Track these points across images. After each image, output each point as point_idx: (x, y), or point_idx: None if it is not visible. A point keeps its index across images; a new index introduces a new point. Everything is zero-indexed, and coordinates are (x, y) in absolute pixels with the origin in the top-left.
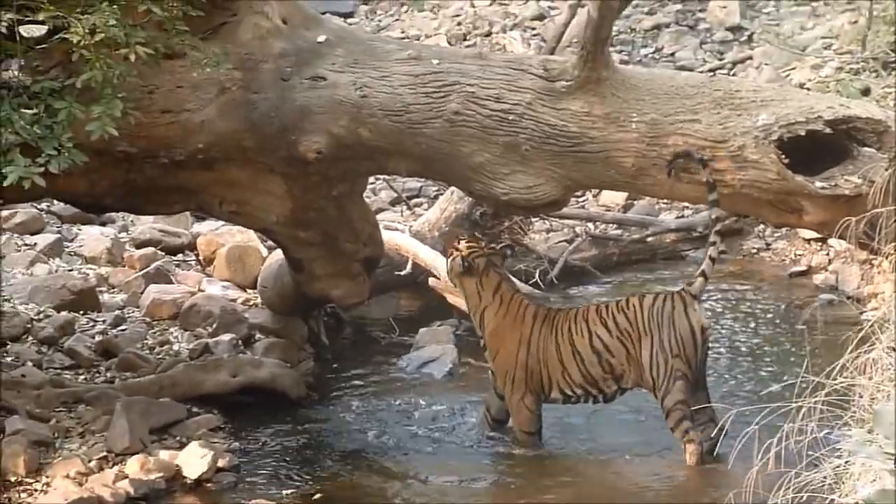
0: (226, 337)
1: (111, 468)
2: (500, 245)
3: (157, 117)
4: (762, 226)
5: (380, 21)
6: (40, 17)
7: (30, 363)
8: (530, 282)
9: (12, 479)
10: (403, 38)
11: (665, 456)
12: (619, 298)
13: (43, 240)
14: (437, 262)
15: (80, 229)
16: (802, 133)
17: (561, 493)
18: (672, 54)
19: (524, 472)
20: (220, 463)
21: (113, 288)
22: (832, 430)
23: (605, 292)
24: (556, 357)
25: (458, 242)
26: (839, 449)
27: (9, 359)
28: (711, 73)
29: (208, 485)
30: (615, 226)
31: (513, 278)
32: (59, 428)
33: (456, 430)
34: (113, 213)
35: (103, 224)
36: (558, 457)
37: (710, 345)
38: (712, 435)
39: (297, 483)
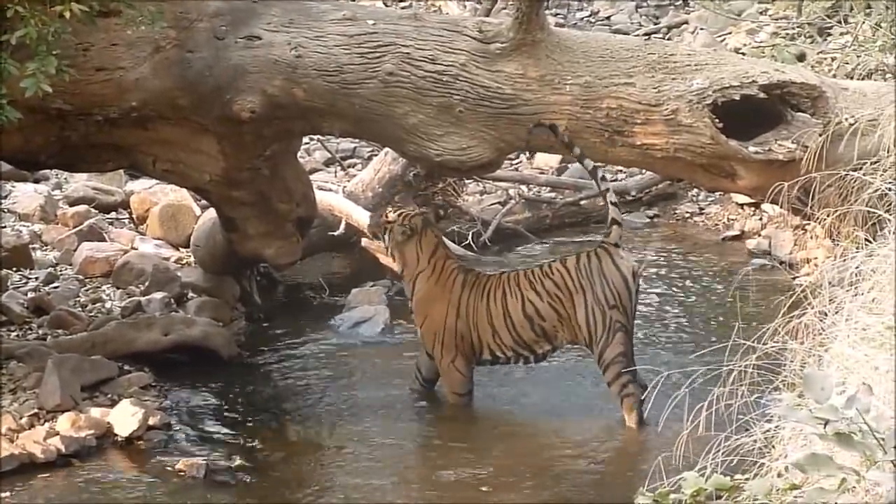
0: (158, 295)
1: (42, 425)
2: (432, 204)
3: (92, 75)
4: (695, 190)
5: None
6: None
7: None
8: (463, 244)
9: None
10: None
11: (595, 415)
12: (541, 263)
13: None
14: None
15: (13, 186)
16: (737, 97)
17: (491, 457)
18: (608, 18)
19: (456, 434)
20: (151, 421)
21: (46, 245)
22: (763, 394)
23: (539, 254)
24: (487, 320)
25: (387, 215)
26: (770, 413)
27: None
28: (647, 37)
29: (139, 443)
30: (549, 189)
31: (447, 241)
32: None
33: (387, 389)
34: (47, 171)
35: (37, 181)
36: (489, 419)
37: (642, 308)
38: (642, 397)
39: (228, 442)
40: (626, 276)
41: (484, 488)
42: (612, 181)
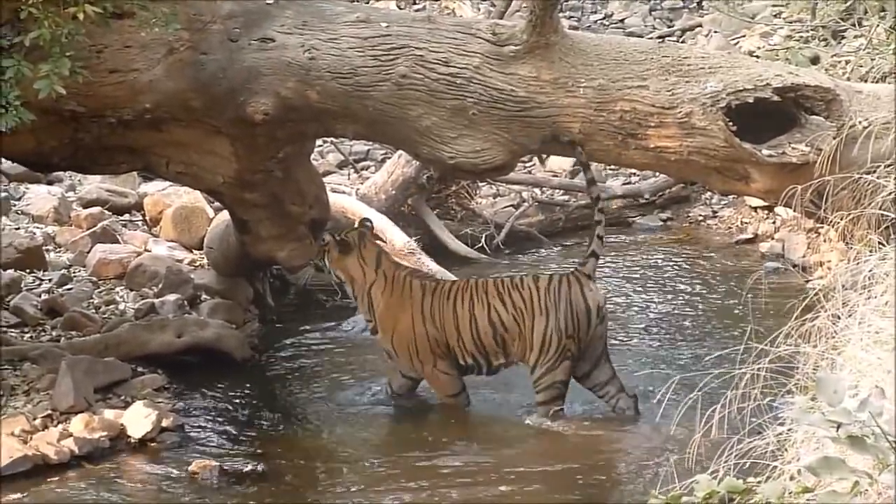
0: (171, 297)
1: (56, 426)
2: (360, 220)
3: (105, 77)
4: (709, 193)
5: None
6: None
7: None
8: (476, 246)
9: None
10: (353, 1)
11: (608, 419)
12: (513, 276)
13: None
14: (383, 225)
15: (27, 188)
16: (750, 100)
17: (504, 459)
18: (622, 21)
19: (470, 436)
20: (165, 423)
21: (59, 247)
22: (776, 397)
23: (552, 257)
24: (453, 324)
25: (323, 239)
26: (782, 416)
27: None
28: (660, 40)
29: (152, 444)
30: (562, 191)
31: (388, 252)
32: (4, 386)
33: (403, 398)
34: (60, 173)
35: (50, 183)
36: (501, 422)
37: (656, 310)
38: (626, 407)
39: (241, 443)
40: (591, 308)
41: (502, 487)
42: (625, 184)
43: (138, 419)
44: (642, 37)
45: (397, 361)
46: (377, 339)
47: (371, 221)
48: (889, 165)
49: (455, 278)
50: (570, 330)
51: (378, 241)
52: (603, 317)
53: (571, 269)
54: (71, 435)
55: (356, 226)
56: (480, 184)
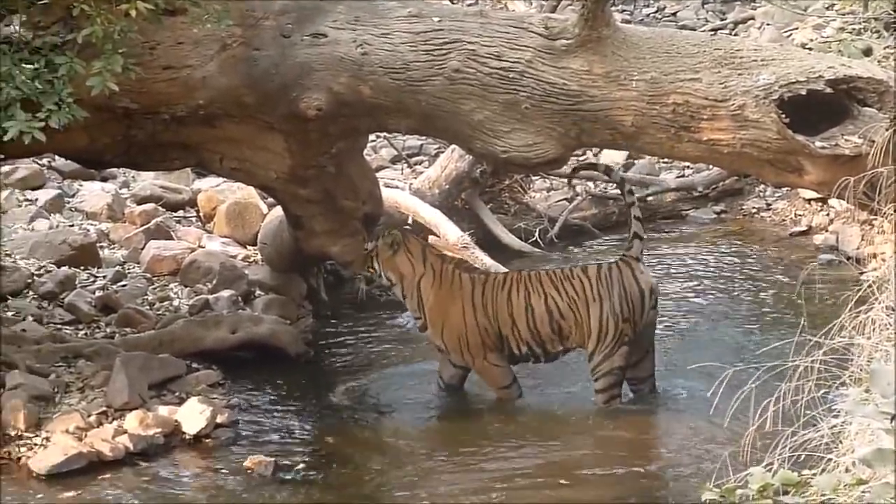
0: (225, 293)
1: (110, 423)
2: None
3: (158, 73)
4: (762, 185)
5: None
6: None
7: (30, 318)
8: (530, 240)
9: (12, 433)
10: None
11: (661, 412)
12: (563, 267)
13: (44, 195)
14: (436, 220)
15: (81, 185)
16: (803, 92)
17: (556, 454)
18: (674, 14)
19: (521, 432)
20: (219, 419)
21: (113, 244)
22: (830, 389)
23: (606, 251)
24: (507, 312)
25: (366, 248)
26: (836, 408)
27: (9, 314)
28: (713, 33)
29: (207, 440)
30: (615, 185)
31: (431, 246)
32: (58, 383)
33: (454, 390)
34: (114, 169)
35: (104, 180)
36: (552, 417)
37: (709, 304)
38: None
39: (295, 439)
40: (644, 290)
41: (562, 480)
42: (678, 177)
43: (193, 415)
44: (695, 30)
45: (448, 355)
46: (428, 335)
47: (411, 225)
48: None
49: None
50: (626, 313)
51: (422, 237)
52: (655, 300)
53: (619, 256)
54: (125, 432)
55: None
56: (534, 178)
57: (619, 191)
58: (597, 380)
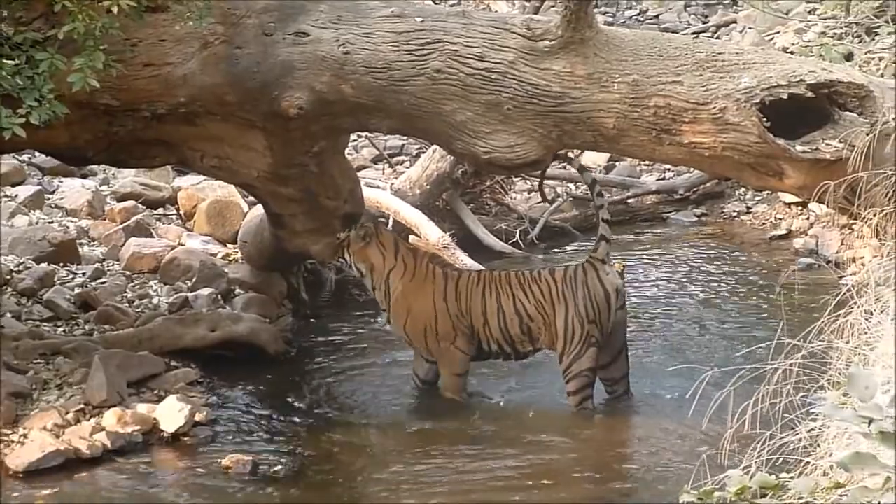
0: (205, 291)
1: (88, 421)
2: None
3: (140, 70)
4: (743, 189)
5: None
6: None
7: (9, 314)
8: (511, 241)
9: None
10: None
11: (641, 414)
12: (531, 269)
13: (24, 191)
14: (417, 220)
15: (61, 181)
16: (784, 96)
17: (538, 456)
18: (656, 16)
19: (504, 433)
20: (198, 417)
21: (93, 240)
22: (808, 393)
23: (586, 252)
24: (480, 310)
25: (338, 238)
26: (814, 412)
27: None
28: (695, 36)
29: (185, 439)
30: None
31: (402, 240)
32: (36, 380)
33: (433, 387)
34: (94, 166)
35: (84, 176)
36: (536, 419)
37: (688, 305)
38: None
39: (274, 438)
40: (609, 292)
41: (544, 481)
42: (659, 180)
43: (171, 413)
44: (677, 33)
45: (413, 346)
46: (392, 329)
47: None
48: None
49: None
50: (592, 315)
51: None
52: (623, 302)
53: (586, 258)
54: (103, 429)
55: (364, 221)
56: (515, 179)
57: (588, 191)
58: (568, 382)
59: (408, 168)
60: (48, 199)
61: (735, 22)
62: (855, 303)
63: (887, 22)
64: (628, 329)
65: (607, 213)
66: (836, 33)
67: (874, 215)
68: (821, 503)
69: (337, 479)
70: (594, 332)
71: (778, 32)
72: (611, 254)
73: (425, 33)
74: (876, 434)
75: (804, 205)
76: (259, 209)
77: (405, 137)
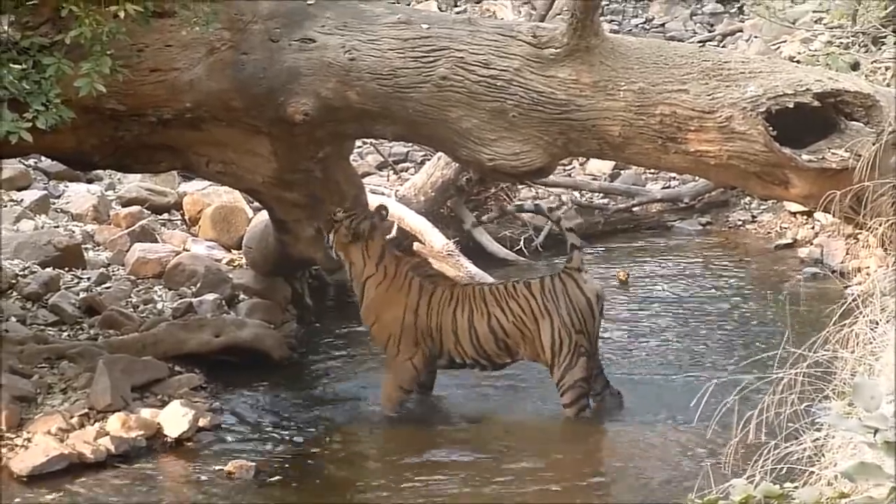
0: (209, 296)
1: (92, 425)
2: (377, 207)
3: (146, 76)
4: (748, 198)
5: None
6: None
7: (14, 319)
8: (515, 249)
9: None
10: (393, 2)
11: (644, 423)
12: (505, 283)
13: (30, 196)
14: (422, 227)
15: (66, 186)
16: (790, 105)
17: (538, 458)
18: (662, 25)
19: (501, 440)
20: (202, 422)
21: (98, 245)
22: (813, 402)
23: (590, 260)
24: (451, 328)
25: (335, 214)
26: (819, 421)
27: None
28: (701, 45)
29: (189, 444)
30: (601, 195)
31: (394, 249)
32: (41, 384)
33: (436, 391)
34: (100, 171)
35: (90, 181)
36: (539, 426)
37: (695, 315)
38: (612, 404)
39: (278, 444)
40: (591, 299)
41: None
42: (664, 188)
43: (175, 418)
44: (683, 41)
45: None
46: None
47: (387, 209)
48: None
49: (491, 280)
50: (579, 324)
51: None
52: (602, 306)
53: (561, 269)
54: (107, 434)
55: (368, 213)
56: (519, 186)
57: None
58: (563, 394)
59: (413, 175)
60: (54, 203)
61: (741, 31)
62: (860, 312)
63: (894, 31)
64: (632, 338)
65: (568, 222)
66: (842, 43)
67: (880, 225)
68: None
69: (340, 484)
70: (582, 341)
71: (784, 41)
72: (584, 260)
73: (431, 40)
74: (881, 444)
75: (810, 214)
76: (264, 215)
77: (410, 144)
